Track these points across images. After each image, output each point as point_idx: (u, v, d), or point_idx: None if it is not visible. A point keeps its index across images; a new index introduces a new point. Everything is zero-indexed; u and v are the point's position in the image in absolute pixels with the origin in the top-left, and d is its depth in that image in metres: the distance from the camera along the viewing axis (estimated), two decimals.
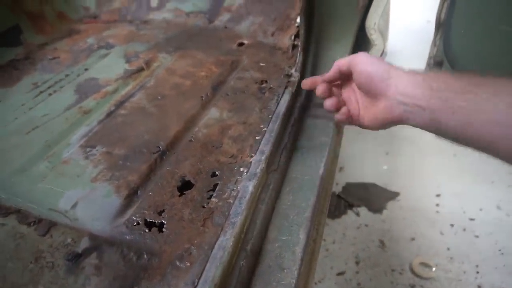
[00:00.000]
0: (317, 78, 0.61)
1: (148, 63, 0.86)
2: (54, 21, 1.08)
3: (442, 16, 0.76)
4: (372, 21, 0.81)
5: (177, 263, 0.43)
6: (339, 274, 1.16)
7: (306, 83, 0.64)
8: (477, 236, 1.25)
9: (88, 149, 0.60)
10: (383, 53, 0.90)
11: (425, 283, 1.12)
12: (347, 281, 1.14)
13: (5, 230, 0.46)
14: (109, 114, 0.69)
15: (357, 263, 1.19)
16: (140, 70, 0.84)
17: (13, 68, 0.87)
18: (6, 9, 0.97)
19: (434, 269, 1.14)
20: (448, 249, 1.21)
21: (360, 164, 1.57)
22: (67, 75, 0.83)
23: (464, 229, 1.28)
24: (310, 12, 0.80)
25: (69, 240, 0.45)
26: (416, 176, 1.50)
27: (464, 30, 0.72)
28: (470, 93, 0.41)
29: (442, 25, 0.76)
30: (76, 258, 0.43)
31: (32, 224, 0.47)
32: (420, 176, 1.50)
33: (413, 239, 1.25)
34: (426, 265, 1.15)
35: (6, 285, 0.40)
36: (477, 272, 1.14)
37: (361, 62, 0.53)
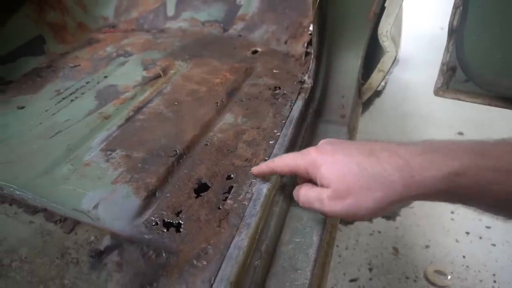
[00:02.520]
0: (266, 168, 0.53)
1: (165, 70, 0.89)
2: (75, 31, 1.12)
3: (455, 22, 0.76)
4: (385, 29, 0.82)
5: (194, 261, 0.44)
6: (352, 280, 1.15)
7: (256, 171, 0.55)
8: (494, 245, 1.23)
9: (108, 153, 0.63)
10: (395, 60, 0.91)
11: None
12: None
13: (33, 228, 0.48)
14: (128, 119, 0.72)
15: (370, 270, 1.18)
16: (157, 77, 0.86)
17: (37, 76, 0.91)
18: (31, 21, 1.02)
19: (449, 277, 1.13)
20: (464, 257, 1.20)
21: None
22: (87, 82, 0.86)
23: (480, 237, 1.26)
24: (322, 20, 0.82)
25: (92, 238, 0.47)
26: None
27: (477, 37, 0.73)
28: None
29: (455, 32, 0.77)
30: (98, 255, 0.45)
31: (58, 222, 0.49)
32: None
33: (427, 246, 1.24)
34: (441, 273, 1.14)
35: (35, 279, 0.42)
36: (494, 281, 1.12)
37: (328, 176, 0.44)
